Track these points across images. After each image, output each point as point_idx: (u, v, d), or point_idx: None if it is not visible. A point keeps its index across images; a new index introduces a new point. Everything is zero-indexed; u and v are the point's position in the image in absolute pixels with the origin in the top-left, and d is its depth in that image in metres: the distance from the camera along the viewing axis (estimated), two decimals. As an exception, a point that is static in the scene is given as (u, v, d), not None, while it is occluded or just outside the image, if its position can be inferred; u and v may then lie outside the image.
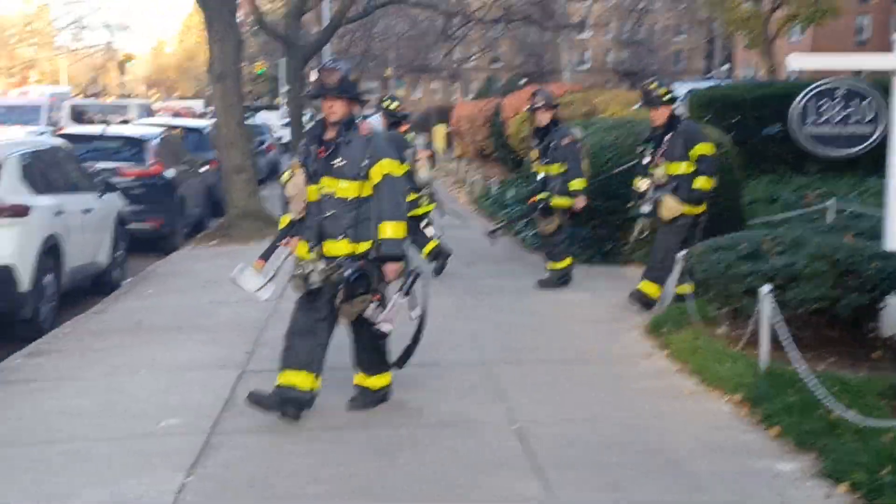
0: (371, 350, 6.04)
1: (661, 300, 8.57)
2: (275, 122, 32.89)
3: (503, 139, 20.65)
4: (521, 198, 13.22)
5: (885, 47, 8.99)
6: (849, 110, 8.88)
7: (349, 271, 5.63)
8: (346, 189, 5.70)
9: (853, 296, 6.46)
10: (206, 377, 7.00)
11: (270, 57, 49.88)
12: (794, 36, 42.10)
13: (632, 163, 9.48)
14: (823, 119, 9.03)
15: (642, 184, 8.75)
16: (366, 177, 5.70)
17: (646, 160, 8.75)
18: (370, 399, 6.15)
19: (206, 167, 17.19)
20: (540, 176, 10.00)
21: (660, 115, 8.62)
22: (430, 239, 10.33)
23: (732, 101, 14.83)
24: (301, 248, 5.85)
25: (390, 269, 5.76)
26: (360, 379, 6.16)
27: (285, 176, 5.97)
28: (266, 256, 6.02)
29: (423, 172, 10.01)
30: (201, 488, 4.96)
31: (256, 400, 5.84)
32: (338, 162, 5.70)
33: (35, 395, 6.71)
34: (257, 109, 36.89)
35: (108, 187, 11.29)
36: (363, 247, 5.72)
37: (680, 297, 8.16)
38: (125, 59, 56.32)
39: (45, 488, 5.00)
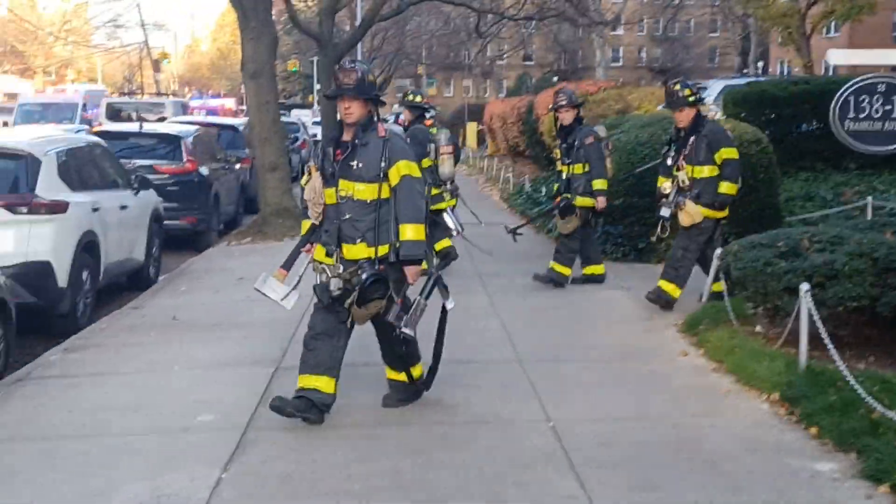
0: (398, 352, 5.95)
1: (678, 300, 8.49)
2: (308, 120, 33.04)
3: (536, 136, 20.61)
4: (554, 195, 13.16)
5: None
6: (889, 106, 8.78)
7: (365, 275, 5.52)
8: (363, 191, 5.59)
9: (893, 294, 6.37)
10: (240, 373, 7.03)
11: (303, 55, 50.13)
12: (830, 32, 41.60)
13: (655, 162, 9.41)
14: (863, 115, 8.94)
15: (666, 185, 8.68)
16: (385, 178, 5.59)
17: (669, 161, 8.65)
18: (403, 394, 6.10)
19: (240, 164, 17.29)
20: (564, 175, 9.95)
21: (684, 117, 8.49)
22: (449, 233, 10.28)
23: (770, 98, 14.68)
24: (319, 251, 5.75)
25: (412, 271, 5.66)
26: (393, 374, 6.13)
27: (304, 179, 5.90)
28: (288, 265, 5.87)
29: (446, 167, 9.99)
30: (237, 484, 4.97)
31: (277, 407, 5.73)
32: (355, 164, 5.59)
33: (72, 390, 6.77)
34: (290, 107, 37.05)
35: (144, 184, 11.38)
36: (382, 250, 5.61)
37: (716, 295, 8.09)
38: (161, 57, 56.68)
39: (84, 482, 5.03)
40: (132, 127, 15.76)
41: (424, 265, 5.80)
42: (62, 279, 8.72)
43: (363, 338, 6.18)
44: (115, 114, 25.46)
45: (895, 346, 6.64)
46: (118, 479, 5.05)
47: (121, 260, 10.38)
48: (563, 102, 9.85)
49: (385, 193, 5.62)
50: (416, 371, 6.11)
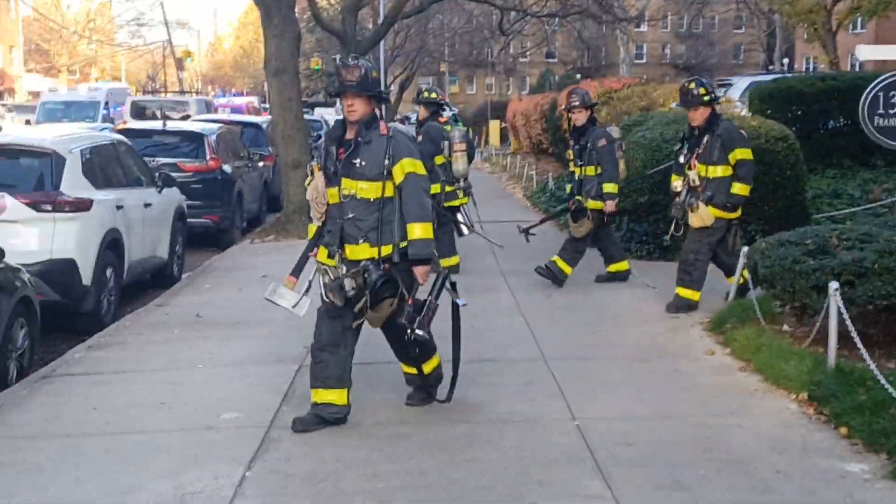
0: (411, 354, 5.88)
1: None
2: (331, 118, 33.05)
3: (560, 134, 20.51)
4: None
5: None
6: (919, 103, 8.67)
7: (375, 276, 5.43)
8: (366, 190, 5.49)
9: (924, 292, 6.27)
10: (264, 371, 7.02)
11: (326, 53, 50.17)
12: (856, 28, 41.26)
13: (668, 163, 9.34)
14: (893, 111, 8.82)
15: (677, 183, 8.60)
16: (388, 176, 5.49)
17: (681, 159, 8.57)
18: (422, 389, 6.05)
19: (263, 162, 17.32)
20: (576, 177, 9.89)
21: (699, 116, 8.38)
22: (462, 235, 10.25)
23: (797, 94, 14.54)
24: (321, 253, 5.66)
25: (421, 271, 5.56)
26: (408, 368, 6.04)
27: (307, 179, 5.80)
28: (297, 272, 5.77)
29: (459, 164, 9.96)
30: (261, 482, 4.96)
31: (302, 430, 5.65)
32: (358, 162, 5.50)
33: (96, 387, 6.78)
34: (313, 105, 37.10)
35: (168, 182, 11.40)
36: (385, 250, 5.51)
37: (742, 292, 8.01)
38: (184, 55, 56.88)
39: (109, 480, 5.03)
40: (156, 125, 15.81)
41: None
42: (86, 277, 8.75)
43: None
44: (139, 112, 25.60)
45: (926, 345, 6.56)
46: (142, 477, 5.04)
47: (144, 258, 10.41)
48: (576, 103, 9.78)
49: (389, 192, 5.52)
50: (431, 364, 6.00)
